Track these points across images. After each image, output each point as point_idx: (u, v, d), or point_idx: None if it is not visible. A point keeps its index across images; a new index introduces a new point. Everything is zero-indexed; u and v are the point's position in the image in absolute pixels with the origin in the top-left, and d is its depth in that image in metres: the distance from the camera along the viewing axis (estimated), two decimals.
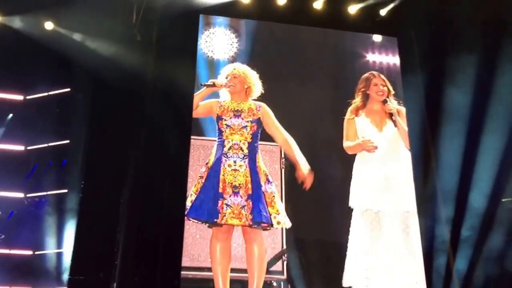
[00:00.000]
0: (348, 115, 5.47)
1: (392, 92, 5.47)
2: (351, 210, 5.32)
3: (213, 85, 4.96)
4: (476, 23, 5.72)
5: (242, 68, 5.12)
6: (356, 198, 5.27)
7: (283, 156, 5.60)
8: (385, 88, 5.44)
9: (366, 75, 5.56)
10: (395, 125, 5.32)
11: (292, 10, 5.83)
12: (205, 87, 4.96)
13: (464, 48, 5.74)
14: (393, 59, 6.33)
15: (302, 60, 6.20)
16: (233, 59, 5.86)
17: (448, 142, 5.53)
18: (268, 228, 4.83)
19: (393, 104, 5.36)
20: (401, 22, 6.03)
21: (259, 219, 4.68)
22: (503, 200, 5.43)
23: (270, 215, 4.74)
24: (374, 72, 5.58)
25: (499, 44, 5.64)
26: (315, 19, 5.94)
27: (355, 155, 5.41)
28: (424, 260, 5.18)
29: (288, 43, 6.25)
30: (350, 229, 5.24)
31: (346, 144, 5.43)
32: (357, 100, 5.50)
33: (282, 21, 5.94)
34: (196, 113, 5.07)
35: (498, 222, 5.30)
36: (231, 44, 6.02)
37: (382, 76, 5.50)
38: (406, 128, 5.37)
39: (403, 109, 5.48)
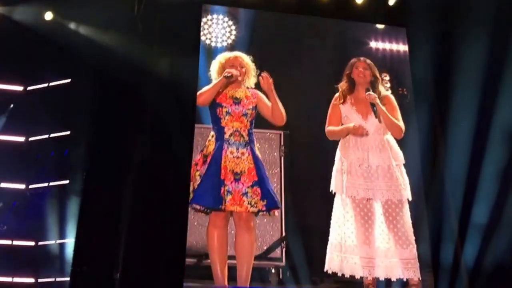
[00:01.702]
0: (334, 100, 5.40)
1: (379, 78, 5.36)
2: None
3: (231, 76, 4.99)
4: (487, 11, 5.67)
5: (247, 60, 5.18)
6: (341, 185, 5.19)
7: (282, 143, 5.58)
8: (367, 71, 5.32)
9: (352, 59, 5.47)
10: (376, 116, 5.17)
11: (298, 0, 5.78)
12: (224, 79, 4.96)
13: (474, 37, 5.69)
14: (397, 47, 6.26)
15: (302, 48, 6.17)
16: (231, 47, 5.84)
17: (458, 130, 5.50)
18: (272, 213, 4.93)
19: (374, 94, 5.19)
20: (409, 11, 5.96)
21: (274, 205, 4.80)
22: None
23: None
24: (360, 57, 5.46)
25: (510, 33, 5.60)
26: (322, 9, 5.89)
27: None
28: (431, 249, 5.20)
29: (288, 31, 6.21)
30: (332, 215, 5.19)
31: (330, 128, 5.34)
32: (343, 84, 5.41)
33: (288, 11, 5.89)
34: (210, 100, 5.01)
35: (508, 212, 5.26)
36: (229, 32, 5.99)
37: (368, 61, 5.37)
38: (397, 116, 5.26)
39: (391, 97, 5.38)
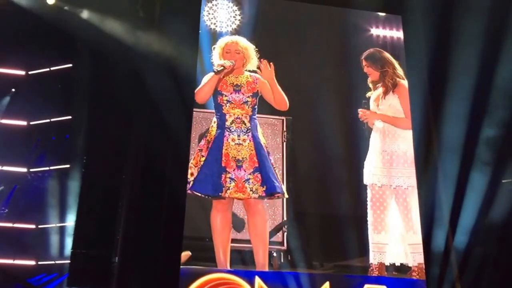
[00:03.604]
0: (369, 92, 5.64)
1: (388, 69, 5.47)
2: (350, 184, 5.41)
3: (224, 68, 4.95)
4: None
5: (245, 44, 5.14)
6: (364, 173, 5.38)
7: (284, 129, 5.58)
8: (370, 69, 5.54)
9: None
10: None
11: None
12: (216, 73, 4.93)
13: (469, 26, 5.70)
14: (398, 34, 6.22)
15: (305, 33, 6.11)
16: (236, 32, 5.80)
17: (451, 117, 5.53)
18: (279, 197, 5.00)
19: (362, 113, 5.45)
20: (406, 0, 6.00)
21: (273, 190, 4.83)
22: (503, 181, 5.46)
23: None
24: (364, 54, 5.64)
25: (505, 21, 5.63)
26: None
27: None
28: (423, 235, 5.23)
29: (291, 16, 6.17)
30: None
31: None
32: None
33: None
34: (208, 97, 5.04)
35: (498, 203, 5.32)
36: (233, 17, 5.95)
37: (368, 59, 5.58)
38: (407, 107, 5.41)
39: (405, 86, 5.47)
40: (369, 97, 5.56)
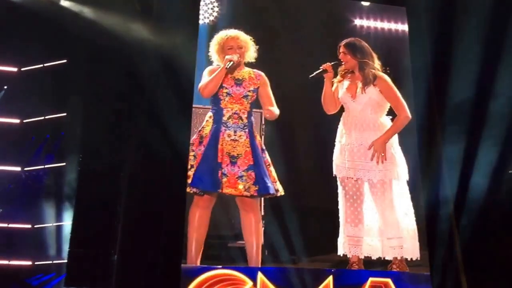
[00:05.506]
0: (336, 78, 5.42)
1: (368, 61, 5.28)
2: (329, 177, 5.28)
3: (233, 64, 4.93)
4: None
5: (245, 38, 5.09)
6: (335, 165, 5.24)
7: (263, 122, 5.50)
8: (347, 56, 5.30)
9: None
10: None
11: None
12: (228, 69, 4.91)
13: (473, 17, 5.72)
14: (382, 24, 6.17)
15: (286, 24, 6.04)
16: (214, 24, 5.73)
17: (455, 110, 5.54)
18: (270, 197, 4.95)
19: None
20: None
21: (265, 191, 4.81)
22: (510, 171, 5.48)
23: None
24: (345, 40, 5.43)
25: (509, 13, 5.63)
26: None
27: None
28: (427, 228, 5.21)
29: (271, 8, 6.10)
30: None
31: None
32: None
33: None
34: (215, 92, 4.94)
35: (504, 194, 5.34)
36: (211, 8, 5.87)
37: (347, 45, 5.34)
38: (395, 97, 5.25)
39: (385, 78, 5.31)
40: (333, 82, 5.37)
